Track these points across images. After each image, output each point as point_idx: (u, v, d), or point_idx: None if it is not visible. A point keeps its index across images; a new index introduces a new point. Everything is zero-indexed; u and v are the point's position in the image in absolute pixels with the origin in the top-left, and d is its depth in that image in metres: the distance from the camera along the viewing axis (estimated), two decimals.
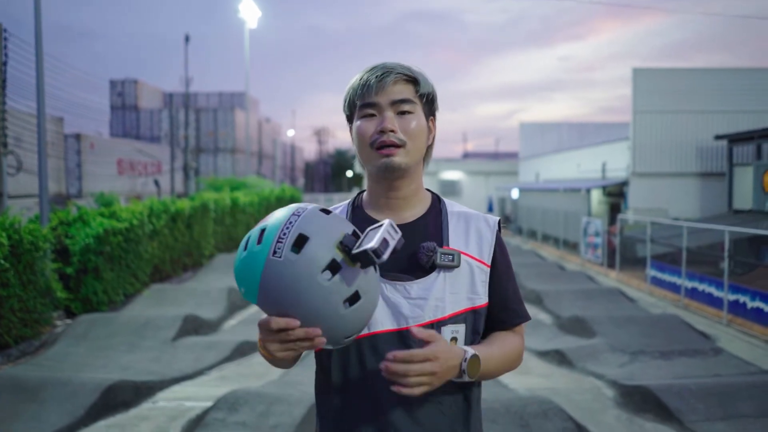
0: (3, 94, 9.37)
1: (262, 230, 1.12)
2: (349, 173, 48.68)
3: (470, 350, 1.24)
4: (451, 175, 32.05)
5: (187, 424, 4.54)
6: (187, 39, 19.73)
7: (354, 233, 1.16)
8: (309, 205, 1.18)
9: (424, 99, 1.36)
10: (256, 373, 5.89)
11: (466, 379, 1.23)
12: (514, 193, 25.17)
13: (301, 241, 1.09)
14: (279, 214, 1.15)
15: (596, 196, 17.51)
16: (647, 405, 4.96)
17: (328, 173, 59.80)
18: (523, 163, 28.28)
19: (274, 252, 1.08)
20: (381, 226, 1.13)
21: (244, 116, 27.41)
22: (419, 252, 1.30)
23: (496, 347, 1.34)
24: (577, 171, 20.27)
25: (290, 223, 1.10)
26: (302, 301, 1.09)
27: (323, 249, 1.10)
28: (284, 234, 1.09)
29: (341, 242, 1.12)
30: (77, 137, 15.46)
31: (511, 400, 4.64)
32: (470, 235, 1.37)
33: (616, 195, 17.13)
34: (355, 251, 1.10)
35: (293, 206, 1.17)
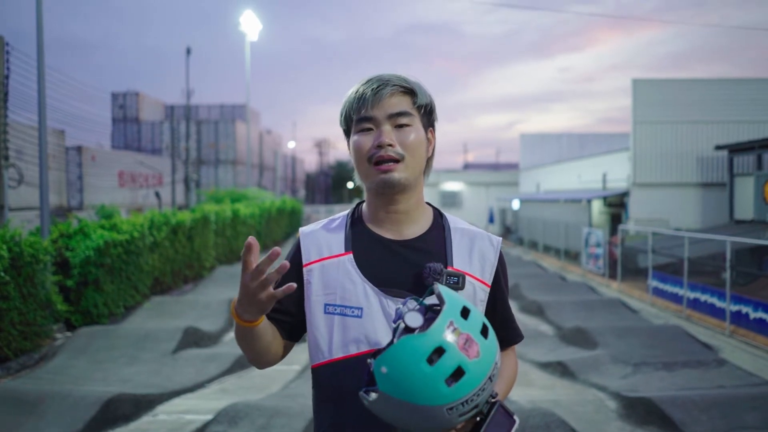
0: (4, 106, 9.41)
1: (461, 370, 1.05)
2: (350, 184, 48.71)
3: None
4: (451, 186, 32.08)
5: None
6: (188, 51, 19.84)
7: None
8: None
9: (422, 110, 1.33)
10: (257, 385, 5.86)
11: None
12: (515, 204, 25.18)
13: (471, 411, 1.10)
14: (479, 365, 1.06)
15: (597, 206, 17.51)
16: (650, 417, 4.92)
17: (329, 184, 59.93)
18: (523, 174, 28.32)
19: (450, 409, 1.06)
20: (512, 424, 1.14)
21: (245, 128, 27.51)
22: (424, 272, 1.27)
23: (504, 378, 1.35)
24: (577, 181, 20.29)
25: (482, 390, 1.08)
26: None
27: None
28: (471, 400, 1.06)
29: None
30: (78, 149, 15.51)
31: None
32: (474, 255, 1.35)
33: (617, 205, 17.13)
34: None
35: (492, 350, 1.10)
